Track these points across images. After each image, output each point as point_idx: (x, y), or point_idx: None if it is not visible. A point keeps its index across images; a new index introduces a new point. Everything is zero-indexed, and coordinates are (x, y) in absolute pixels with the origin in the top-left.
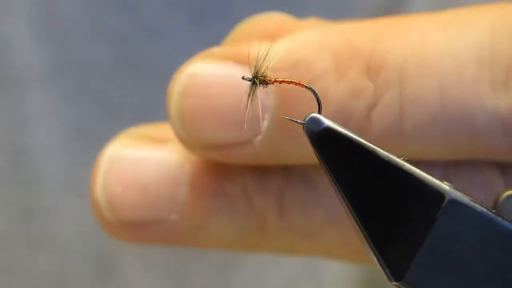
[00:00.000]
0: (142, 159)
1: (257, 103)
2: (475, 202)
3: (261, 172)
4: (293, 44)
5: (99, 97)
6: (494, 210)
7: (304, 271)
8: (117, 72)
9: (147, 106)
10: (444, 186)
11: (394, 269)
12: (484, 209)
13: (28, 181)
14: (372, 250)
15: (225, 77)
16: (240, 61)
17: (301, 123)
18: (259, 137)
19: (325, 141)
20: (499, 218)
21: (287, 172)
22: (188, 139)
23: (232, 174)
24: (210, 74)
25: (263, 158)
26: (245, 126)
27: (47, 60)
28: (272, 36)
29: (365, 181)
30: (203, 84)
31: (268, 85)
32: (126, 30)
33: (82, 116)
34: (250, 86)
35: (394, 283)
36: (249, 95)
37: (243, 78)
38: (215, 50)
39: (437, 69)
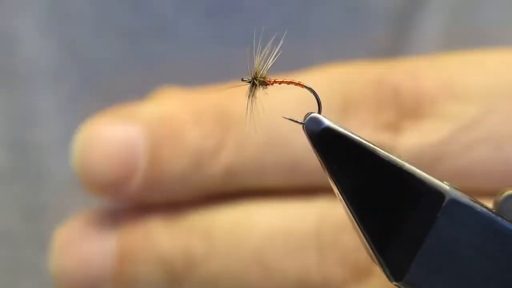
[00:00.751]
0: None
1: (257, 105)
2: (475, 202)
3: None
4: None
5: (107, 94)
6: (494, 210)
7: None
8: (126, 69)
9: None
10: (444, 186)
11: (394, 269)
12: (484, 209)
13: (34, 179)
14: (372, 250)
15: (112, 133)
16: (127, 120)
17: (301, 123)
18: (139, 176)
19: (325, 141)
20: (499, 218)
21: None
22: (85, 179)
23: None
24: (101, 130)
25: (147, 194)
26: (246, 127)
27: (55, 56)
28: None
29: (365, 181)
30: (96, 137)
31: (267, 86)
32: (135, 27)
33: (89, 114)
34: (250, 88)
35: (394, 283)
36: (249, 97)
37: (242, 79)
38: (109, 112)
39: None
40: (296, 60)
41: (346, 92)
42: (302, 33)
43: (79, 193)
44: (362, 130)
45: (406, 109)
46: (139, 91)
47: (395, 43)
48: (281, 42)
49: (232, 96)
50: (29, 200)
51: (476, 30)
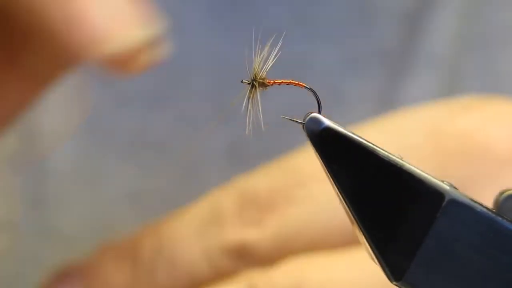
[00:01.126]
0: None
1: (258, 106)
2: (475, 202)
3: None
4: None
5: (112, 87)
6: (494, 210)
7: None
8: None
9: (161, 98)
10: (444, 186)
11: (393, 269)
12: (484, 209)
13: (37, 168)
14: (372, 250)
15: None
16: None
17: (301, 123)
18: None
19: (325, 141)
20: (499, 218)
21: None
22: None
23: None
24: None
25: None
26: (247, 130)
27: None
28: None
29: (365, 181)
30: None
31: (267, 87)
32: None
33: (94, 105)
34: (249, 89)
35: (394, 283)
36: (248, 99)
37: (242, 81)
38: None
39: None
40: (304, 57)
41: (216, 206)
42: (310, 30)
43: (82, 183)
44: (231, 229)
45: (266, 205)
46: (145, 84)
47: (405, 42)
48: (280, 43)
49: (141, 238)
50: (32, 189)
51: (488, 30)
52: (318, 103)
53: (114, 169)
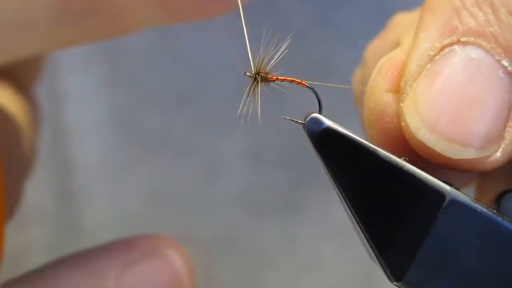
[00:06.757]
0: None
1: (257, 100)
2: (476, 202)
3: None
4: None
5: (138, 83)
6: (494, 210)
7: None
8: (157, 60)
9: (185, 96)
10: (445, 186)
11: (394, 269)
12: (484, 209)
13: (64, 162)
14: (373, 250)
15: None
16: None
17: (301, 123)
18: None
19: (325, 141)
20: (499, 218)
21: None
22: None
23: None
24: None
25: None
26: (242, 122)
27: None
28: None
29: (366, 181)
30: None
31: (269, 82)
32: None
33: (120, 101)
34: (251, 83)
35: (394, 283)
36: (249, 92)
37: (244, 74)
38: None
39: None
40: (324, 57)
41: None
42: (330, 32)
43: (103, 180)
44: None
45: None
46: (170, 82)
47: None
48: (288, 41)
49: None
50: (57, 183)
51: None
52: (319, 103)
53: (138, 167)
